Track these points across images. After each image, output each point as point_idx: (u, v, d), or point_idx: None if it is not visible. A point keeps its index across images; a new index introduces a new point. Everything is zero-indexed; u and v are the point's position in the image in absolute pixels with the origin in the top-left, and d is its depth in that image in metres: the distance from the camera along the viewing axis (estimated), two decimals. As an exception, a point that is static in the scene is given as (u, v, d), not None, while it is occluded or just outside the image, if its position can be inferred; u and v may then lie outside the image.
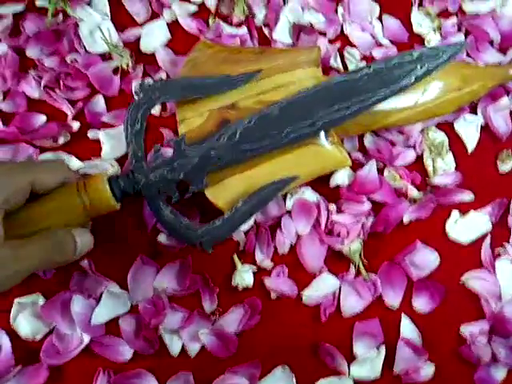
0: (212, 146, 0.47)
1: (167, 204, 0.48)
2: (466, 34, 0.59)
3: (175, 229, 0.48)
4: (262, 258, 0.52)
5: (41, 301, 0.50)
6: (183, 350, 0.50)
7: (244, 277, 0.51)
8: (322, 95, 0.48)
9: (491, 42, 0.59)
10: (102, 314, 0.50)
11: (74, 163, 0.54)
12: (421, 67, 0.48)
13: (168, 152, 0.51)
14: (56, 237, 0.43)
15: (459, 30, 0.60)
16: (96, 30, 0.58)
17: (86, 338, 0.49)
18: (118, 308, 0.50)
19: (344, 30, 0.59)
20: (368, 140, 0.56)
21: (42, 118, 0.56)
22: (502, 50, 0.59)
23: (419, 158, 0.55)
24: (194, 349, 0.49)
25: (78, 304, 0.49)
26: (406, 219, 0.53)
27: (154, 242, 0.52)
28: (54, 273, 0.52)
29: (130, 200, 0.47)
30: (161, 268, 0.52)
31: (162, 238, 0.52)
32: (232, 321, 0.50)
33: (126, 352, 0.49)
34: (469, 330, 0.51)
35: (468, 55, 0.59)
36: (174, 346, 0.49)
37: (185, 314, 0.50)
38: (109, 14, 0.60)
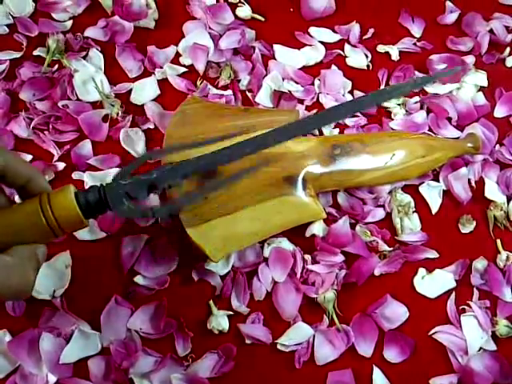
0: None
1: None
2: (428, 112, 0.66)
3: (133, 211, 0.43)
4: (239, 304, 0.53)
5: (7, 338, 0.48)
6: (153, 394, 0.48)
7: (220, 321, 0.51)
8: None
9: (450, 120, 0.66)
10: (72, 353, 0.48)
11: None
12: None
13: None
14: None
15: (421, 107, 0.67)
16: (89, 80, 0.61)
17: (52, 380, 0.47)
18: (89, 349, 0.49)
19: (320, 99, 0.65)
20: (341, 197, 0.59)
21: (27, 157, 0.57)
22: (460, 127, 0.65)
23: (388, 216, 0.59)
24: (165, 393, 0.48)
25: (47, 342, 0.48)
26: (377, 272, 0.55)
27: (130, 283, 0.52)
28: (24, 310, 0.50)
29: (107, 239, 0.47)
30: (135, 310, 0.51)
31: (139, 279, 0.52)
32: (205, 366, 0.50)
33: (94, 395, 0.47)
34: (438, 382, 0.52)
35: (430, 129, 0.65)
36: (145, 389, 0.48)
37: (157, 357, 0.49)
38: (103, 67, 0.63)
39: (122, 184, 0.42)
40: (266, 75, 0.65)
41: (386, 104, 0.66)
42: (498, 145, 0.64)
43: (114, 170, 0.57)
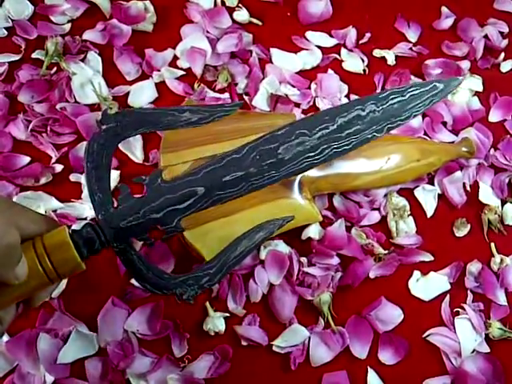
0: (191, 180, 0.43)
1: (138, 253, 0.42)
2: (423, 116, 0.67)
3: (147, 277, 0.42)
4: (235, 306, 0.53)
5: (5, 338, 0.48)
6: (150, 394, 0.48)
7: (216, 323, 0.51)
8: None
9: (445, 124, 0.66)
10: (69, 354, 0.49)
11: (54, 203, 0.55)
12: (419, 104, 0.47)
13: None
14: None
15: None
16: (87, 83, 0.61)
17: (50, 379, 0.48)
18: (86, 349, 0.49)
19: (316, 103, 0.66)
20: (337, 200, 0.60)
21: (25, 159, 0.57)
22: (455, 131, 0.66)
23: (383, 220, 0.59)
24: (161, 394, 0.48)
25: (44, 342, 0.48)
26: (372, 274, 0.56)
27: (127, 285, 0.52)
28: (22, 311, 0.50)
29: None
30: (132, 311, 0.52)
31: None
32: (202, 367, 0.50)
33: (90, 396, 0.48)
34: (432, 384, 0.52)
35: (425, 134, 0.66)
36: (141, 390, 0.48)
37: (154, 358, 0.50)
38: (101, 70, 0.64)
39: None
40: (263, 79, 0.66)
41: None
42: (492, 149, 0.65)
43: (112, 172, 0.57)
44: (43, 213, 0.54)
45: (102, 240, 0.39)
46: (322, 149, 0.45)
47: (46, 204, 0.55)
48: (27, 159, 0.57)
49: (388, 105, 0.46)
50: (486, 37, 0.73)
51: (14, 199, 0.54)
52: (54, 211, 0.55)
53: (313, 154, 0.45)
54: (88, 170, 0.42)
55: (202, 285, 0.43)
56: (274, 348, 0.52)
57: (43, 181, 0.56)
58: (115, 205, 0.41)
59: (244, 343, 0.52)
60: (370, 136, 0.46)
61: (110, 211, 0.41)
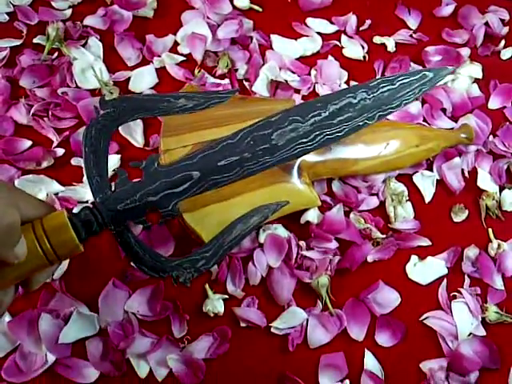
0: (187, 164, 0.44)
1: (135, 236, 0.43)
2: (423, 103, 0.67)
3: (144, 260, 0.43)
4: (234, 289, 0.54)
5: (7, 318, 0.49)
6: (151, 374, 0.49)
7: (215, 305, 0.52)
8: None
9: (444, 111, 0.67)
10: (70, 334, 0.49)
11: (55, 187, 0.55)
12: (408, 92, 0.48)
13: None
14: None
15: (416, 98, 0.67)
16: (88, 68, 0.62)
17: (51, 359, 0.48)
18: (86, 329, 0.50)
19: (316, 89, 0.66)
20: (336, 186, 0.60)
21: (27, 143, 0.58)
22: (454, 118, 0.66)
23: (382, 205, 0.60)
24: (161, 373, 0.49)
25: (45, 323, 0.49)
26: (369, 259, 0.56)
27: (128, 267, 0.53)
28: (23, 292, 0.51)
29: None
30: (132, 293, 0.52)
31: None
32: (201, 348, 0.51)
33: (91, 375, 0.49)
34: (428, 366, 0.53)
35: (424, 120, 0.66)
36: (142, 369, 0.49)
37: (154, 339, 0.51)
38: (102, 55, 0.64)
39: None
40: (263, 65, 0.66)
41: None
42: (491, 136, 0.65)
43: (113, 157, 0.57)
44: (45, 196, 0.55)
45: (100, 222, 0.40)
46: (314, 135, 0.46)
47: (48, 187, 0.56)
48: (29, 143, 0.58)
49: (379, 93, 0.47)
50: (486, 24, 0.73)
51: (16, 182, 0.55)
52: (56, 194, 0.55)
53: (306, 140, 0.46)
54: (86, 154, 0.43)
55: (198, 268, 0.44)
56: (273, 330, 0.52)
57: (45, 164, 0.57)
58: (113, 188, 0.42)
59: (243, 324, 0.53)
60: (361, 123, 0.47)
61: (107, 194, 0.42)
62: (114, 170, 0.56)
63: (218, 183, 0.45)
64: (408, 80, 0.48)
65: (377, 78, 0.53)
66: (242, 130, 0.45)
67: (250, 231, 0.46)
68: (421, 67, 0.69)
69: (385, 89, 0.47)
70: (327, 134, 0.46)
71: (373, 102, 0.47)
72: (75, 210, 0.54)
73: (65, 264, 0.52)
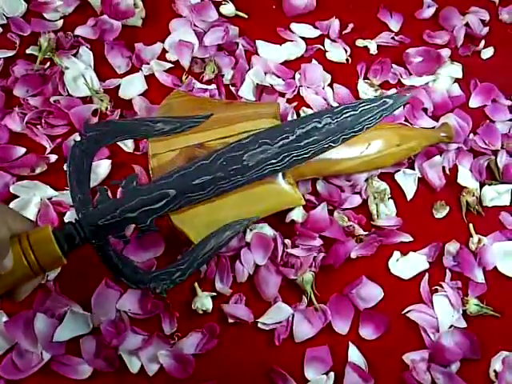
0: (163, 183, 0.48)
1: (115, 250, 0.47)
2: (405, 104, 0.69)
3: (124, 272, 0.47)
4: (222, 286, 0.56)
5: (4, 318, 0.51)
6: (142, 369, 0.51)
7: (204, 302, 0.54)
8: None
9: (425, 110, 0.69)
10: (64, 332, 0.51)
11: (49, 192, 0.58)
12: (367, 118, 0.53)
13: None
14: None
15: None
16: (79, 77, 0.64)
17: (47, 356, 0.50)
18: (80, 328, 0.52)
19: (300, 92, 0.68)
20: (320, 185, 0.62)
21: (21, 150, 0.60)
22: (435, 117, 0.68)
23: (364, 203, 0.62)
24: (152, 369, 0.51)
25: (41, 322, 0.51)
26: (353, 255, 0.58)
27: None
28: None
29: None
30: (124, 292, 0.54)
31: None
32: (190, 344, 0.53)
33: (85, 371, 0.51)
34: (410, 357, 0.55)
35: (406, 120, 0.68)
36: (133, 365, 0.51)
37: (145, 336, 0.53)
38: (92, 64, 0.67)
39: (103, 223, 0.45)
40: (249, 70, 0.68)
41: (363, 96, 0.69)
42: (472, 134, 0.67)
43: (104, 162, 0.60)
44: (39, 201, 0.57)
45: (82, 236, 0.44)
46: (282, 156, 0.51)
47: (42, 192, 0.58)
48: (23, 150, 0.60)
49: (342, 118, 0.52)
50: (467, 25, 0.75)
51: (11, 188, 0.57)
52: (49, 199, 0.57)
53: (274, 161, 0.51)
54: (70, 173, 0.48)
55: (173, 279, 0.48)
56: (260, 325, 0.55)
57: (38, 170, 0.59)
58: (95, 205, 0.46)
59: (231, 321, 0.54)
60: (326, 146, 0.52)
61: (89, 210, 0.46)
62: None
63: (193, 201, 0.50)
64: (369, 106, 0.52)
65: (340, 104, 0.56)
66: (216, 151, 0.51)
67: (223, 245, 0.50)
68: (402, 69, 0.71)
69: (348, 114, 0.52)
70: (294, 156, 0.51)
71: (337, 126, 0.51)
72: (68, 214, 0.56)
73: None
